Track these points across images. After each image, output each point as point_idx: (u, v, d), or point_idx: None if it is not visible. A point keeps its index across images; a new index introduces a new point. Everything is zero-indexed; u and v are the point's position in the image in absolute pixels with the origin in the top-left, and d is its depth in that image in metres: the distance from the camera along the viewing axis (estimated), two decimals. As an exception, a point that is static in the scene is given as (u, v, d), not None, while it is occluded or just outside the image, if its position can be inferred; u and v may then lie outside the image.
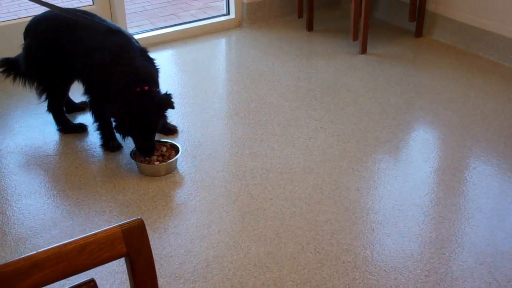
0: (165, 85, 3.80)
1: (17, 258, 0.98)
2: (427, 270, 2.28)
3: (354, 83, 3.80)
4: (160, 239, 2.46)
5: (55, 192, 2.78)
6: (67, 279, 1.04)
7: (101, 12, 4.13)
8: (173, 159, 2.91)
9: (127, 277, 2.19)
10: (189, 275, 2.27)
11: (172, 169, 2.92)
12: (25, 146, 3.10)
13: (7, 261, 0.98)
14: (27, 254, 0.99)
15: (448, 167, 2.91)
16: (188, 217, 2.58)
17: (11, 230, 2.53)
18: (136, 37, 4.33)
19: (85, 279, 1.07)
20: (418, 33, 4.48)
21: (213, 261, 2.34)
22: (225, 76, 4.05)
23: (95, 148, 3.10)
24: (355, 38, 4.22)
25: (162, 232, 2.50)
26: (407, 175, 2.86)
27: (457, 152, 3.02)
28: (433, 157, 3.00)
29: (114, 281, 2.24)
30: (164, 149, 2.99)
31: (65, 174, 2.90)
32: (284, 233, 2.48)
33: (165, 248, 2.41)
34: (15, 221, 2.58)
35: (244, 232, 2.50)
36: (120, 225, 1.06)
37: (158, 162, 2.90)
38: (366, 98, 3.59)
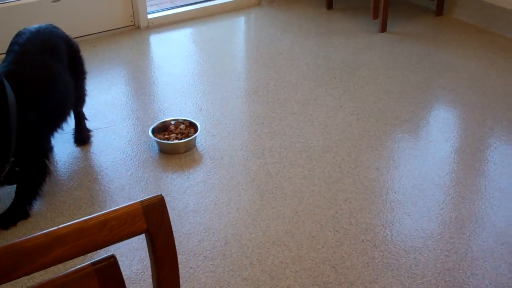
0: (184, 64, 3.80)
1: (38, 233, 0.98)
2: (447, 250, 2.26)
3: (374, 61, 3.76)
4: (179, 216, 2.46)
5: (75, 169, 2.79)
6: (87, 255, 1.04)
7: (120, -10, 4.13)
8: (192, 137, 2.90)
9: (147, 254, 2.20)
10: (208, 252, 2.28)
11: (191, 147, 2.92)
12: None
13: (28, 236, 0.98)
14: (48, 230, 0.99)
15: (468, 146, 2.88)
16: (207, 195, 2.59)
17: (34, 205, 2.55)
18: (155, 15, 4.34)
19: (105, 255, 1.07)
20: (439, 11, 4.42)
21: (231, 239, 2.34)
22: (244, 55, 4.03)
23: (115, 126, 3.10)
24: (375, 16, 4.17)
25: (181, 210, 2.50)
26: (427, 155, 2.83)
27: (477, 132, 2.99)
28: (454, 136, 2.97)
29: (134, 258, 2.25)
30: (183, 126, 2.99)
31: (84, 151, 2.91)
32: (303, 212, 2.48)
33: (184, 226, 2.41)
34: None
35: (263, 210, 2.50)
36: (140, 202, 1.05)
37: (177, 140, 2.90)
38: (386, 77, 3.56)
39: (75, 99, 2.82)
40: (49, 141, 2.60)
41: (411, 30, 4.20)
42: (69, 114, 2.74)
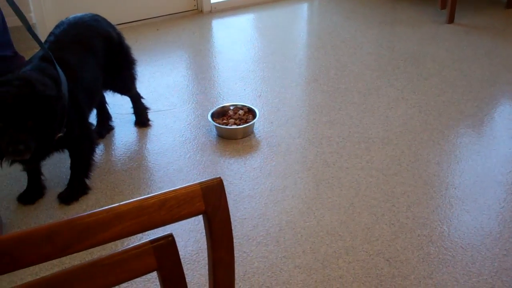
0: (245, 49, 3.80)
1: (99, 209, 1.00)
2: (505, 250, 2.20)
3: (439, 53, 3.68)
4: (235, 201, 2.48)
5: (135, 150, 2.83)
6: (145, 233, 1.06)
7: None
8: (250, 123, 2.91)
9: (202, 235, 2.23)
10: (261, 238, 2.28)
11: (249, 133, 2.92)
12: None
13: (89, 212, 1.00)
14: (109, 206, 1.01)
15: (534, 144, 2.79)
16: (263, 181, 2.59)
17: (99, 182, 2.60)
18: (218, 0, 4.35)
19: (163, 234, 1.08)
20: (509, 4, 4.29)
21: (286, 226, 2.34)
22: (306, 42, 4.00)
23: (175, 109, 3.13)
24: (443, 6, 4.08)
25: (237, 195, 2.51)
26: (491, 151, 2.76)
27: (545, 130, 2.90)
28: (519, 133, 2.88)
29: (189, 239, 2.28)
30: (242, 112, 3.00)
31: (145, 133, 2.96)
32: (359, 203, 2.45)
33: (239, 211, 2.42)
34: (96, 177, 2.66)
35: (318, 200, 2.48)
36: (200, 183, 1.06)
37: (235, 125, 2.91)
38: (451, 70, 3.47)
39: (120, 88, 2.91)
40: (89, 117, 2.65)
41: (479, 22, 4.09)
42: (95, 103, 2.79)
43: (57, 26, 2.62)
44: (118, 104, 3.14)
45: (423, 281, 2.06)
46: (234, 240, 2.24)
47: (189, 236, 2.29)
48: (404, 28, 4.03)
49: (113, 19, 3.98)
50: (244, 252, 2.22)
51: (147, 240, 1.04)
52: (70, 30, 2.60)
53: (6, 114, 2.10)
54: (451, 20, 4.07)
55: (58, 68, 2.34)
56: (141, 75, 3.39)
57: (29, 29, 2.34)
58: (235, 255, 2.17)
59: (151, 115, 3.06)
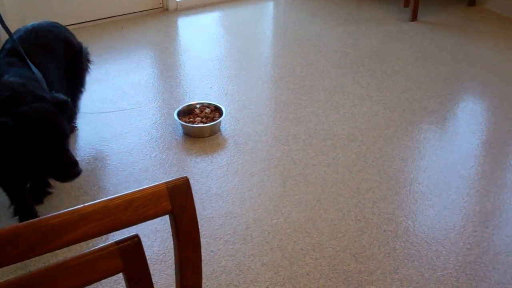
0: (211, 47, 3.80)
1: (64, 211, 0.99)
2: (469, 243, 2.24)
3: (403, 50, 3.72)
4: (201, 200, 2.47)
5: (100, 150, 2.81)
6: (111, 234, 1.05)
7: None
8: (217, 121, 2.91)
9: (169, 235, 2.22)
10: (229, 236, 2.29)
11: (215, 131, 2.92)
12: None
13: (54, 213, 0.99)
14: (74, 207, 1.00)
15: (496, 139, 2.84)
16: (230, 179, 2.59)
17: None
18: (183, -3, 4.34)
19: (129, 235, 1.08)
20: (471, 1, 4.36)
21: (253, 224, 2.35)
22: (272, 40, 4.01)
23: (140, 108, 3.12)
24: (406, 4, 4.13)
25: (204, 193, 2.51)
26: (454, 146, 2.80)
27: (506, 125, 2.95)
28: (481, 129, 2.93)
29: (156, 239, 2.27)
30: (209, 110, 3.00)
31: (110, 132, 2.93)
32: (325, 200, 2.47)
33: (206, 209, 2.42)
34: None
35: (285, 197, 2.49)
36: (166, 183, 1.06)
37: (202, 124, 2.91)
38: (415, 67, 3.52)
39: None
40: None
41: (442, 20, 4.15)
42: None
43: (13, 33, 2.51)
44: (81, 105, 3.10)
45: (389, 276, 2.09)
46: (201, 239, 2.24)
47: (156, 236, 2.28)
48: (368, 26, 4.07)
49: (77, 17, 3.95)
50: (212, 251, 2.22)
51: (113, 241, 1.04)
52: (28, 35, 2.51)
53: (55, 136, 2.04)
54: (414, 17, 4.12)
55: (32, 66, 2.28)
56: (106, 73, 3.36)
57: None
58: (202, 254, 2.17)
59: (116, 114, 3.04)
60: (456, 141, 2.85)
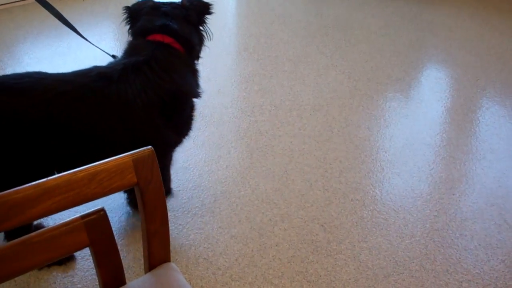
0: (173, 19, 3.73)
1: (27, 185, 0.96)
2: (436, 210, 2.26)
3: (367, 19, 3.71)
4: (168, 173, 2.44)
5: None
6: (77, 208, 1.02)
7: None
8: (181, 94, 2.86)
9: (135, 211, 2.18)
10: (197, 209, 2.27)
11: (180, 104, 2.88)
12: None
13: (16, 188, 0.96)
14: (37, 181, 0.97)
15: (460, 107, 2.87)
16: (197, 152, 2.56)
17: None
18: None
19: (95, 208, 1.05)
20: (434, -30, 4.36)
21: (221, 196, 2.33)
22: (235, 11, 3.96)
23: (103, 81, 3.05)
24: (369, -27, 4.11)
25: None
26: (419, 114, 2.82)
27: (470, 92, 2.97)
28: (446, 96, 2.95)
29: (123, 214, 2.24)
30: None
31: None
32: (292, 170, 2.47)
33: (173, 182, 2.39)
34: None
35: (252, 168, 2.48)
36: (131, 154, 1.03)
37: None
38: (379, 35, 3.51)
39: None
40: None
41: (404, -11, 4.15)
42: None
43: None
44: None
45: (358, 245, 2.10)
46: (169, 213, 2.23)
47: (123, 210, 2.25)
48: (332, -5, 4.05)
49: (34, -10, 3.84)
50: (180, 224, 2.19)
51: (78, 215, 1.01)
52: None
53: None
54: (377, -14, 4.11)
55: None
56: (68, 47, 3.28)
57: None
58: (170, 228, 2.15)
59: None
60: (421, 108, 2.86)
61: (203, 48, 2.17)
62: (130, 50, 2.01)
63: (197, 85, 2.09)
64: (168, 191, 2.27)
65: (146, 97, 1.84)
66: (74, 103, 1.75)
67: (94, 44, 2.30)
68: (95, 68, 1.88)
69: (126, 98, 1.81)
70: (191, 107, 2.06)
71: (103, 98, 1.78)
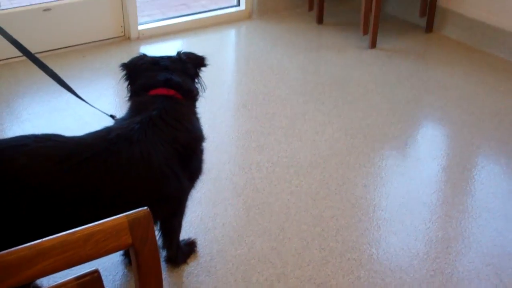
0: (173, 75, 3.78)
1: (21, 246, 0.96)
2: (433, 270, 2.25)
3: (363, 77, 3.77)
4: (164, 230, 2.44)
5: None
6: (71, 269, 1.02)
7: (111, 2, 4.11)
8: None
9: (131, 268, 2.18)
10: (192, 268, 2.26)
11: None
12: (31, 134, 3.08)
13: (10, 249, 0.96)
14: (31, 243, 0.97)
15: (456, 165, 2.88)
16: (193, 209, 2.56)
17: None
18: (145, 26, 4.34)
19: (89, 270, 1.05)
20: (429, 28, 4.44)
21: (216, 255, 2.32)
22: (234, 68, 4.03)
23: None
24: (365, 32, 4.19)
25: (167, 223, 2.48)
26: (415, 172, 2.83)
27: (465, 150, 3.00)
28: (441, 154, 2.97)
29: (117, 273, 2.22)
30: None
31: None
32: (289, 228, 2.47)
33: (169, 239, 2.39)
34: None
35: (249, 226, 2.48)
36: (126, 215, 1.04)
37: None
38: (375, 93, 3.56)
39: None
40: None
41: (401, 47, 4.22)
42: None
43: None
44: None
45: (354, 304, 2.08)
46: (163, 272, 2.22)
47: (118, 269, 2.24)
48: (329, 54, 4.11)
49: (38, 46, 3.91)
50: (175, 284, 2.18)
51: (73, 277, 1.01)
52: None
53: None
54: (373, 45, 4.18)
55: None
56: (67, 103, 3.32)
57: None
58: (164, 287, 2.14)
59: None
60: (417, 167, 2.88)
61: (199, 98, 2.23)
62: (137, 106, 2.05)
63: (202, 129, 2.15)
64: (178, 245, 2.26)
65: (166, 152, 1.88)
66: (99, 168, 1.77)
67: (90, 104, 2.34)
68: (110, 129, 1.91)
69: (149, 157, 1.84)
70: (201, 151, 2.13)
71: (127, 160, 1.81)
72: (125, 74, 2.19)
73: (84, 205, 1.76)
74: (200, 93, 2.23)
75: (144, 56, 2.20)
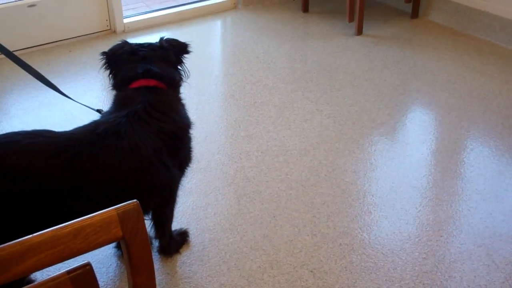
0: (160, 67, 3.77)
1: (12, 242, 0.96)
2: (425, 253, 2.27)
3: (350, 64, 3.77)
4: (156, 222, 2.44)
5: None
6: (63, 263, 1.02)
7: (94, -6, 4.09)
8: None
9: (123, 260, 2.18)
10: (185, 258, 2.26)
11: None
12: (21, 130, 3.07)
13: (1, 245, 0.96)
14: (22, 238, 0.97)
15: (445, 148, 2.90)
16: (184, 200, 2.57)
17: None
18: (131, 20, 4.32)
19: (81, 263, 1.05)
20: (414, 14, 4.45)
21: (209, 244, 2.33)
22: (221, 58, 4.02)
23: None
24: (351, 19, 4.19)
25: (158, 215, 2.48)
26: (404, 157, 2.84)
27: (454, 134, 3.01)
28: (430, 138, 2.98)
29: (111, 265, 2.23)
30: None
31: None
32: (280, 216, 2.47)
33: (161, 231, 2.39)
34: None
35: (240, 215, 2.48)
36: (116, 208, 1.04)
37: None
38: (362, 80, 3.57)
39: None
40: None
41: (387, 33, 4.22)
42: None
43: None
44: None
45: (347, 289, 2.09)
46: (157, 263, 2.23)
47: (110, 261, 2.24)
48: (315, 42, 4.11)
49: (23, 42, 3.89)
50: (168, 274, 2.19)
51: (64, 271, 1.01)
52: None
53: None
54: (359, 32, 4.18)
55: None
56: (54, 98, 3.30)
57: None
58: (158, 277, 2.14)
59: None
60: (407, 151, 2.89)
61: (182, 84, 2.22)
62: (121, 101, 2.05)
63: (188, 116, 2.14)
64: (170, 235, 2.27)
65: (153, 143, 1.89)
66: (90, 162, 1.78)
67: (76, 101, 2.33)
68: (98, 123, 1.92)
69: (138, 149, 1.85)
70: (189, 139, 2.13)
71: (116, 154, 1.82)
72: (105, 63, 2.19)
73: (77, 199, 1.77)
74: (184, 80, 2.22)
75: (125, 43, 2.19)
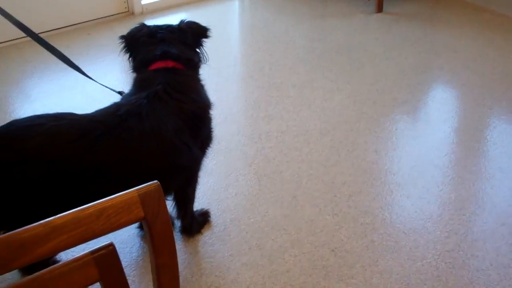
0: (179, 49, 3.77)
1: (35, 224, 0.97)
2: (446, 232, 2.26)
3: (370, 43, 3.74)
4: (177, 203, 2.45)
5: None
6: (87, 243, 1.03)
7: (112, -24, 4.08)
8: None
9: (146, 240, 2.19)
10: (206, 238, 2.27)
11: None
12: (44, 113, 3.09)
13: (24, 227, 0.97)
14: (45, 220, 0.98)
15: (467, 126, 2.87)
16: (205, 181, 2.57)
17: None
18: (149, 1, 4.30)
19: (104, 243, 1.06)
20: (435, -9, 4.39)
21: (230, 224, 2.34)
22: (239, 39, 4.00)
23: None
24: (371, -3, 4.15)
25: (179, 196, 2.49)
26: (426, 136, 2.82)
27: (476, 112, 2.98)
28: (452, 117, 2.95)
29: (134, 245, 2.24)
30: (179, 113, 2.97)
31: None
32: (301, 196, 2.47)
33: (182, 212, 2.40)
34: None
35: (261, 195, 2.48)
36: (137, 189, 1.04)
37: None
38: (383, 58, 3.53)
39: None
40: None
41: (407, 10, 4.17)
42: None
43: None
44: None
45: (369, 269, 2.09)
46: (179, 242, 2.24)
47: (134, 241, 2.26)
48: (334, 21, 4.08)
49: (43, 25, 3.90)
50: (190, 253, 2.20)
51: (88, 251, 1.02)
52: None
53: None
54: (379, 9, 4.14)
55: None
56: (75, 80, 3.32)
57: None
58: (180, 257, 2.16)
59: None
60: (428, 130, 2.86)
61: (202, 66, 2.22)
62: (140, 83, 2.05)
63: (208, 97, 2.14)
64: (192, 215, 2.28)
65: (175, 124, 1.89)
66: (112, 144, 1.79)
67: (99, 82, 2.34)
68: (119, 105, 1.92)
69: (159, 130, 1.85)
70: (209, 119, 2.13)
71: (138, 135, 1.82)
72: (125, 46, 2.20)
73: (100, 181, 1.78)
74: (203, 62, 2.22)
75: (143, 26, 2.19)
